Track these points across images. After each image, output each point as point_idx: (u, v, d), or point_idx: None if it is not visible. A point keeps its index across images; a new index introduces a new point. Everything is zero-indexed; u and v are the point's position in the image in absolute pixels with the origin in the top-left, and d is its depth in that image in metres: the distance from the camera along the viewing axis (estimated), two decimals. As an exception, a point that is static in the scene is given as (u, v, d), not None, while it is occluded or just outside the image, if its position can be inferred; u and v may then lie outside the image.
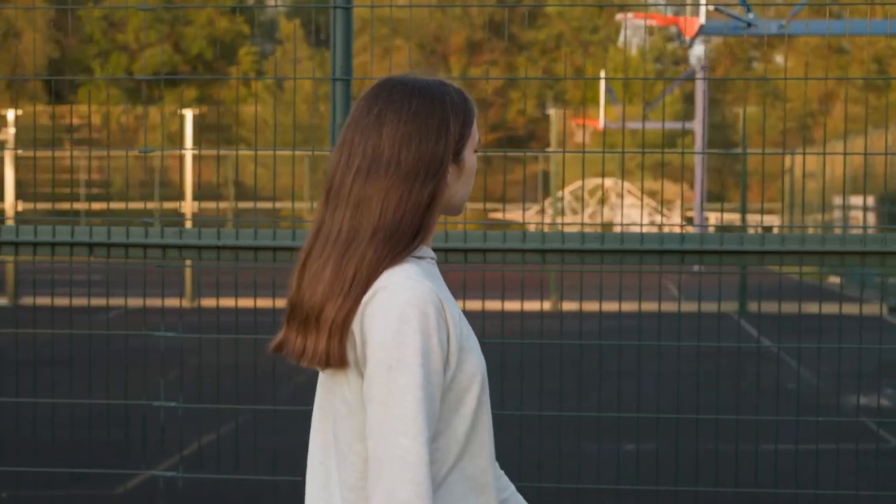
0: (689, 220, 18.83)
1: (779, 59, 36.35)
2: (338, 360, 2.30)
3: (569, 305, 15.35)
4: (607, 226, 24.59)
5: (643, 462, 4.73)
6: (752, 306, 16.83)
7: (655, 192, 28.99)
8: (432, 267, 2.41)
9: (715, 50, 36.30)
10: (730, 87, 35.20)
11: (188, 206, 18.16)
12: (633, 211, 26.34)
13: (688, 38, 17.59)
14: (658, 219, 25.88)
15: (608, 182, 27.40)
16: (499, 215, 24.08)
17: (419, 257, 2.38)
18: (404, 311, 2.24)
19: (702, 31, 17.43)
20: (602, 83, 22.73)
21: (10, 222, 14.35)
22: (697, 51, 36.94)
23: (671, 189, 30.73)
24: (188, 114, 18.53)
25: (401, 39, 29.63)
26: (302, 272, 2.38)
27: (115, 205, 17.77)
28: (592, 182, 28.07)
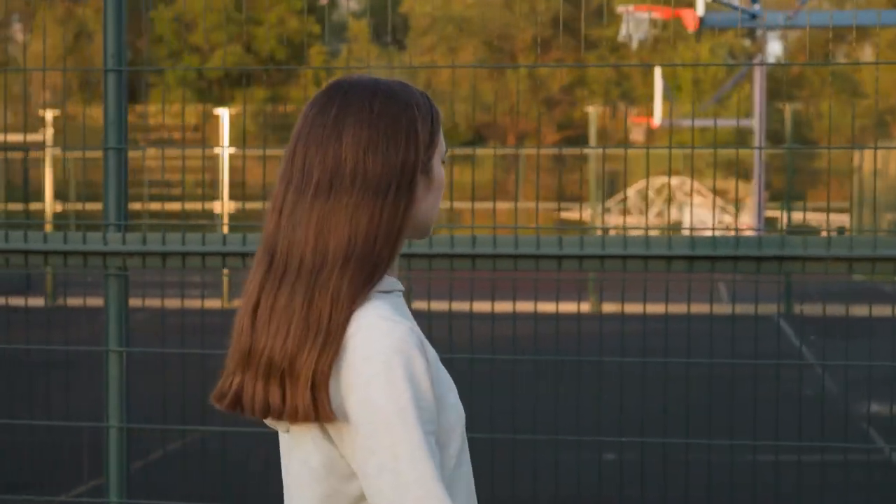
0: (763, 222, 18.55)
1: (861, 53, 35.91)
2: (327, 414, 1.95)
3: (609, 307, 15.21)
4: (675, 229, 24.41)
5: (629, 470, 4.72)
6: (799, 309, 16.45)
7: (723, 190, 28.77)
8: (401, 300, 2.08)
9: (791, 45, 35.97)
10: (805, 83, 34.87)
11: (224, 206, 17.83)
12: (700, 210, 26.15)
13: (691, 30, 17.33)
14: (726, 218, 25.64)
15: (674, 181, 27.22)
16: (565, 215, 24.03)
17: (387, 291, 2.04)
18: (389, 359, 1.93)
19: (702, 24, 17.16)
20: (657, 80, 22.27)
21: (48, 227, 14.48)
22: (773, 48, 36.58)
23: (741, 188, 30.48)
24: (224, 113, 18.54)
25: (466, 37, 29.66)
26: (255, 311, 2.02)
27: (170, 206, 17.68)
28: (658, 181, 27.93)
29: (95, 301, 5.12)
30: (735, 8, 15.56)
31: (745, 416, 4.44)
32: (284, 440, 2.07)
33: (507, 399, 4.46)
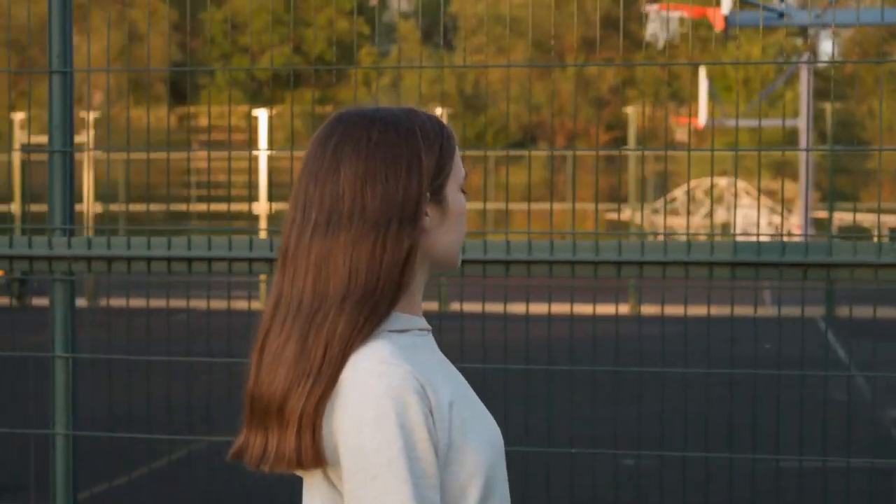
0: (821, 225, 18.33)
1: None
2: (311, 458, 1.87)
3: (647, 309, 15.11)
4: (726, 234, 24.22)
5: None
6: (844, 311, 16.18)
7: (772, 191, 28.55)
8: (421, 339, 1.98)
9: (844, 44, 35.67)
10: (858, 82, 34.55)
11: (262, 208, 17.89)
12: (748, 211, 25.96)
13: (717, 30, 17.16)
14: (776, 220, 25.43)
15: (723, 181, 27.05)
16: (613, 216, 23.94)
17: (398, 331, 1.94)
18: (379, 404, 1.83)
19: (728, 22, 16.98)
20: (702, 80, 22.03)
21: (90, 232, 14.54)
22: (826, 47, 36.25)
23: (790, 188, 30.27)
24: (262, 114, 18.59)
25: (515, 37, 29.62)
26: (260, 355, 1.95)
27: (216, 206, 17.58)
28: (707, 182, 27.77)
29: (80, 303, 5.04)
30: (764, 7, 15.44)
31: (770, 422, 4.41)
32: (304, 484, 1.99)
33: (541, 406, 4.44)
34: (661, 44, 20.03)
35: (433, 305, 15.63)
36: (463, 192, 2.03)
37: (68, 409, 4.53)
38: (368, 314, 1.89)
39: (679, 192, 27.09)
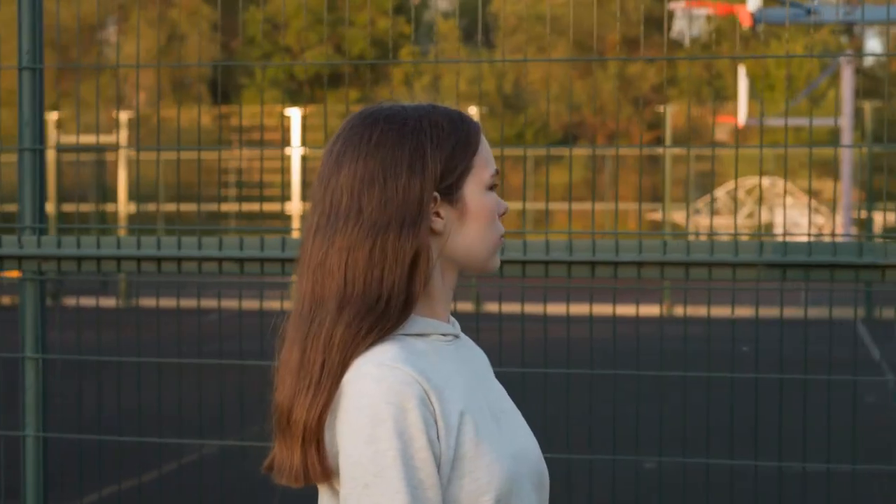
0: (862, 224, 18.13)
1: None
2: (319, 473, 1.82)
3: (680, 310, 14.96)
4: (767, 235, 24.07)
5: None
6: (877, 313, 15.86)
7: (818, 191, 28.36)
8: (443, 345, 1.90)
9: (894, 41, 35.31)
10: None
11: (295, 208, 17.66)
12: (792, 212, 25.80)
13: (744, 27, 17.01)
14: (819, 220, 25.24)
15: (765, 181, 26.89)
16: (654, 216, 23.85)
17: (415, 334, 1.87)
18: (377, 410, 1.76)
19: (756, 19, 16.82)
20: (741, 78, 21.80)
21: (122, 232, 14.61)
22: (872, 45, 35.93)
23: (834, 188, 29.99)
24: (295, 113, 18.60)
25: (556, 36, 29.60)
26: (280, 362, 1.91)
27: (248, 206, 17.53)
28: (749, 181, 27.62)
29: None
30: (791, 4, 15.29)
31: (797, 428, 4.37)
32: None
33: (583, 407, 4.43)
34: (686, 41, 19.94)
35: (468, 306, 15.59)
36: (492, 189, 1.93)
37: (38, 410, 4.47)
38: (373, 322, 1.81)
39: (721, 192, 26.96)
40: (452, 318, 1.97)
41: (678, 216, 19.77)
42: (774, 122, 22.60)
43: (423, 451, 1.76)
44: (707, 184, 20.86)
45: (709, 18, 20.36)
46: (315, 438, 1.81)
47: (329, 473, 1.82)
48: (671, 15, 21.55)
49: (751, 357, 4.21)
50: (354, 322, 1.81)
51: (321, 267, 1.84)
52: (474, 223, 1.90)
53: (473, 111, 18.09)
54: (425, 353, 1.85)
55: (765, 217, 26.02)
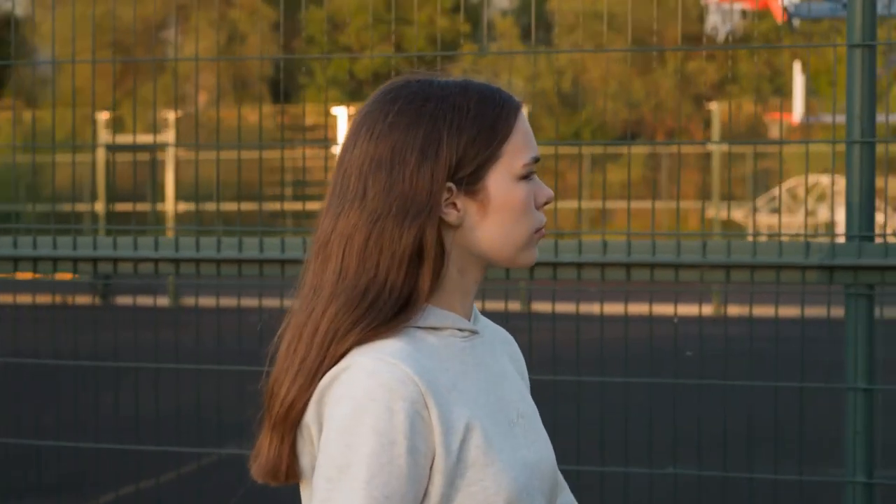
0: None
1: None
2: (285, 470, 1.72)
3: (733, 310, 14.68)
4: (819, 234, 23.75)
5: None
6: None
7: (882, 189, 27.94)
8: (459, 341, 1.76)
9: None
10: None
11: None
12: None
13: (779, 21, 16.76)
14: (879, 218, 24.91)
15: (825, 179, 26.60)
16: (714, 215, 23.66)
17: (428, 327, 1.74)
18: (362, 403, 1.63)
19: (791, 14, 16.57)
20: (796, 74, 21.40)
21: (170, 234, 14.66)
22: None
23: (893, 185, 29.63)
24: (341, 112, 18.60)
25: (614, 34, 29.48)
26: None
27: (290, 205, 17.48)
28: (811, 179, 27.33)
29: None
30: None
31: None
32: None
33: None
34: (720, 36, 19.71)
35: (514, 305, 15.45)
36: (527, 178, 1.77)
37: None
38: (359, 317, 1.68)
39: (779, 190, 26.70)
40: (478, 314, 1.85)
41: (736, 214, 19.59)
42: (827, 118, 22.16)
43: (402, 459, 1.63)
44: (764, 182, 20.62)
45: (744, 13, 20.14)
46: (282, 429, 1.70)
47: (294, 471, 1.72)
48: (705, 9, 21.33)
49: (794, 361, 4.16)
50: (339, 316, 1.69)
51: (323, 250, 1.74)
52: (498, 216, 1.74)
53: (524, 110, 17.99)
54: (435, 350, 1.72)
55: (825, 216, 25.70)
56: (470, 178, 1.73)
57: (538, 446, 1.80)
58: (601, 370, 4.24)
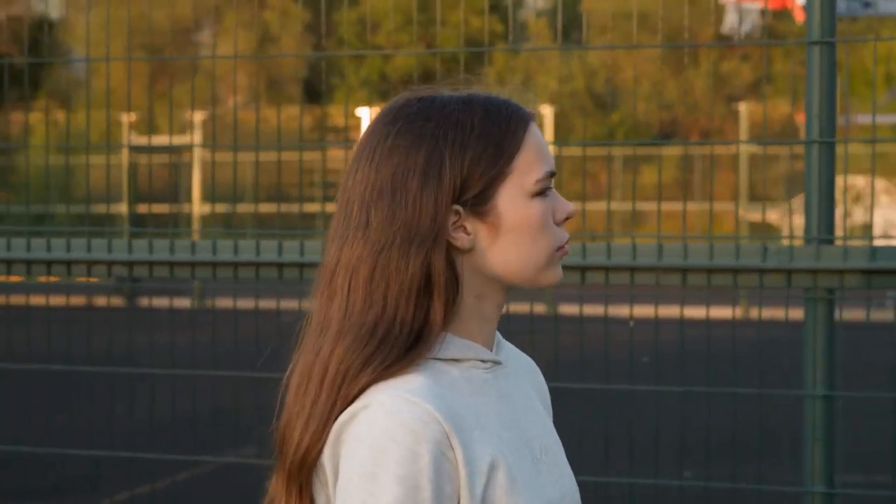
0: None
1: None
2: None
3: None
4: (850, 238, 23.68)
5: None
6: None
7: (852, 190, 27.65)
8: (480, 373, 1.66)
9: None
10: None
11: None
12: (886, 211, 25.31)
13: (798, 21, 16.63)
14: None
15: (862, 181, 26.42)
16: (752, 217, 23.55)
17: (448, 359, 1.63)
18: (382, 446, 1.53)
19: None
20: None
21: (195, 236, 14.71)
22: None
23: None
24: (364, 112, 18.55)
25: (648, 34, 29.35)
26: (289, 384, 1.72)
27: (311, 207, 17.35)
28: (848, 181, 27.11)
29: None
30: None
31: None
32: None
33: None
34: (738, 36, 19.58)
35: (540, 308, 15.38)
36: (542, 194, 1.66)
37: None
38: (370, 355, 1.58)
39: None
40: (500, 341, 1.75)
41: (772, 216, 19.48)
42: (865, 118, 22.19)
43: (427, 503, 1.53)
44: (798, 184, 20.52)
45: (763, 13, 20.08)
46: (305, 478, 1.61)
47: None
48: (722, 9, 21.26)
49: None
50: (348, 355, 1.59)
51: (329, 284, 1.64)
52: (513, 237, 1.64)
53: (547, 111, 17.88)
54: (457, 384, 1.62)
55: (861, 218, 25.50)
56: (477, 199, 1.64)
57: (562, 483, 1.70)
58: (629, 377, 4.19)
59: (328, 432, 1.59)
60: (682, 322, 4.07)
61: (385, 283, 1.60)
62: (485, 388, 1.65)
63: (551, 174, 1.68)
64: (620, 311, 4.53)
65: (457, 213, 1.63)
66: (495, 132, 1.64)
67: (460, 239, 1.63)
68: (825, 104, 3.79)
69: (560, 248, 1.69)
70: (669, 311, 4.25)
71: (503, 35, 36.77)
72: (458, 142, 1.63)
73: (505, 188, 1.64)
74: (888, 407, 3.94)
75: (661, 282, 3.90)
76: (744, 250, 3.85)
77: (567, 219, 1.70)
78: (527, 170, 1.65)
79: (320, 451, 1.59)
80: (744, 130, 18.95)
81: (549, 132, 16.63)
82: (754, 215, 20.80)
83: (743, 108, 19.23)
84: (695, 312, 4.18)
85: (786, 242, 4.05)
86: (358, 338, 1.60)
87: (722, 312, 4.62)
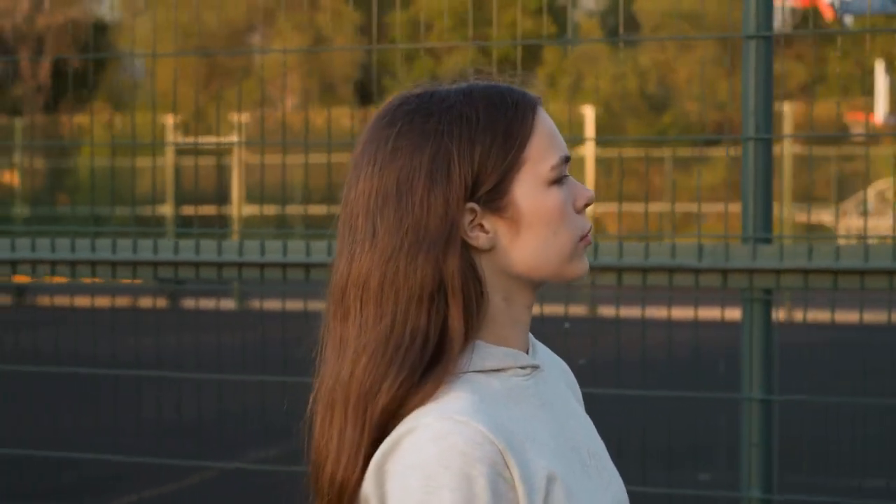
0: None
1: None
2: None
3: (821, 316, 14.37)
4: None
5: None
6: None
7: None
8: (521, 381, 1.55)
9: None
10: None
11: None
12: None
13: (827, 19, 16.37)
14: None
15: (883, 184, 26.10)
16: (804, 218, 23.35)
17: (487, 370, 1.52)
18: (433, 473, 1.41)
19: (843, 9, 16.19)
20: (879, 72, 20.78)
21: (235, 237, 14.71)
22: None
23: None
24: None
25: (700, 33, 29.17)
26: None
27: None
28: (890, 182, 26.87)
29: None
30: None
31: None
32: None
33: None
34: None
35: (580, 309, 15.21)
36: (558, 182, 1.55)
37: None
38: (397, 370, 1.47)
39: (871, 193, 26.31)
40: (534, 343, 1.64)
41: (824, 217, 19.31)
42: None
43: None
44: (850, 185, 20.29)
45: (793, 11, 19.85)
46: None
47: None
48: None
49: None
50: (365, 375, 1.48)
51: (342, 304, 1.53)
52: (534, 231, 1.53)
53: (589, 112, 17.73)
54: (500, 397, 1.51)
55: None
56: (492, 195, 1.52)
57: (612, 487, 1.61)
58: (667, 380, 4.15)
59: (361, 463, 1.48)
60: (644, 322, 4.02)
61: (394, 293, 1.49)
62: (527, 396, 1.55)
63: (566, 159, 1.57)
64: (659, 312, 4.46)
65: (472, 211, 1.52)
66: (502, 121, 1.53)
67: (479, 238, 1.52)
68: (761, 100, 3.65)
69: (583, 237, 1.58)
70: (656, 312, 4.20)
71: (556, 36, 36.69)
72: (464, 136, 1.51)
73: (520, 179, 1.53)
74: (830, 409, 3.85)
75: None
76: (680, 249, 3.72)
77: (587, 205, 1.59)
78: (541, 157, 1.54)
79: (358, 484, 1.49)
80: (787, 131, 18.71)
81: (590, 133, 16.52)
82: (803, 216, 20.58)
83: (787, 108, 18.99)
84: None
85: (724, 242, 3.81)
86: (372, 355, 1.48)
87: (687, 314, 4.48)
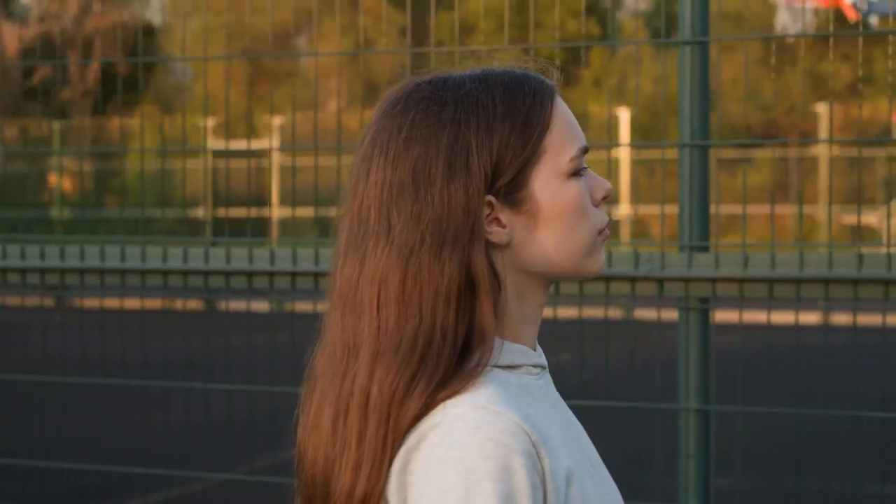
0: None
1: None
2: None
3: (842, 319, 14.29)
4: None
5: None
6: None
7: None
8: (535, 379, 1.49)
9: None
10: None
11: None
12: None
13: (851, 20, 16.17)
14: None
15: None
16: (852, 220, 23.16)
17: (506, 366, 1.45)
18: (472, 465, 1.33)
19: (864, 12, 16.00)
20: None
21: (273, 243, 14.68)
22: None
23: None
24: None
25: (745, 33, 28.98)
26: (305, 417, 1.49)
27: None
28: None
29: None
30: None
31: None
32: None
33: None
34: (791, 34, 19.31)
35: (597, 311, 15.00)
36: (577, 175, 1.48)
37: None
38: (414, 372, 1.39)
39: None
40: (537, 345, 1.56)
41: (870, 219, 19.16)
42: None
43: None
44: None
45: (816, 12, 19.67)
46: None
47: None
48: (774, 9, 20.93)
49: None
50: (390, 377, 1.39)
51: (351, 301, 1.44)
52: (552, 224, 1.46)
53: (624, 115, 17.60)
54: (522, 392, 1.45)
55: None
56: (511, 187, 1.45)
57: (612, 499, 1.53)
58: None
59: (385, 472, 1.39)
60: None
61: (419, 292, 1.40)
62: (540, 395, 1.48)
63: (585, 150, 1.50)
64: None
65: (490, 204, 1.45)
66: (521, 109, 1.46)
67: (496, 233, 1.45)
68: (697, 105, 3.61)
69: (601, 231, 1.51)
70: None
71: (600, 37, 36.53)
72: (482, 124, 1.44)
73: (538, 171, 1.46)
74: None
75: (747, 294, 3.63)
76: (616, 257, 3.65)
77: (605, 198, 1.51)
78: (560, 148, 1.47)
79: (381, 496, 1.40)
80: (823, 133, 18.61)
81: (625, 136, 16.43)
82: (850, 218, 20.40)
83: (822, 109, 18.87)
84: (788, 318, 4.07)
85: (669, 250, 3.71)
86: (398, 356, 1.40)
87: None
